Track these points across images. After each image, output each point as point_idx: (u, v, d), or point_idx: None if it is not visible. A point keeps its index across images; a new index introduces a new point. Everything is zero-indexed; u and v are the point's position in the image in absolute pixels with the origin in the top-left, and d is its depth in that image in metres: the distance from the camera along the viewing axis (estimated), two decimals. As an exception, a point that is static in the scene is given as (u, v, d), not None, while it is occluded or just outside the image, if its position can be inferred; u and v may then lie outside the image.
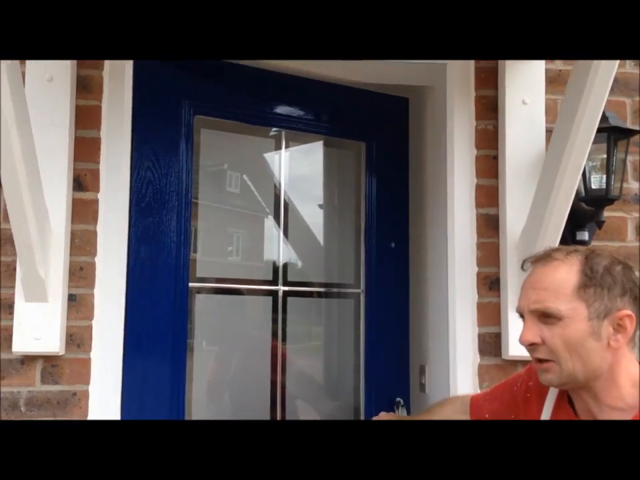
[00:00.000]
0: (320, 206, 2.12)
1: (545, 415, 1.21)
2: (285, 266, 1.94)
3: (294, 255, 2.00)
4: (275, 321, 1.90)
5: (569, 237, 1.79)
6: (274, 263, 1.93)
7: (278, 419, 1.88)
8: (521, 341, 1.14)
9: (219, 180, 1.98)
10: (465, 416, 1.55)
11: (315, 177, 2.11)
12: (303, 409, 2.00)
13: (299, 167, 2.05)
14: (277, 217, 1.96)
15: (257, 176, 2.04)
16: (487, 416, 1.48)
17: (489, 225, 1.82)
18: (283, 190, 1.97)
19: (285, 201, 1.97)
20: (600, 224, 1.77)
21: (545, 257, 1.14)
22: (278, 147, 1.98)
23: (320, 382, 2.10)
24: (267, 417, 1.88)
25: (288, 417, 1.91)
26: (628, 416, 1.06)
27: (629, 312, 1.05)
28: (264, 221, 2.00)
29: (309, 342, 2.08)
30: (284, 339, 1.91)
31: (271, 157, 2.00)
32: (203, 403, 1.86)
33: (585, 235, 1.78)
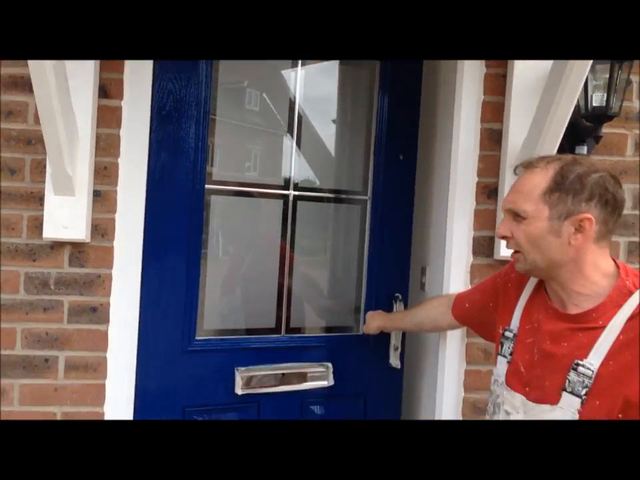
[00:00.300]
0: (333, 120, 2.20)
1: (522, 300, 1.40)
2: (297, 174, 2.05)
3: (306, 165, 2.10)
4: (284, 224, 2.04)
5: (568, 151, 1.84)
6: (286, 171, 2.05)
7: (283, 317, 2.06)
8: (497, 234, 1.36)
9: (237, 97, 2.07)
10: (448, 309, 1.74)
11: (329, 93, 2.17)
12: (306, 308, 2.16)
13: (314, 84, 2.10)
14: (290, 129, 2.06)
15: (274, 93, 2.12)
16: (466, 305, 1.69)
17: (492, 139, 1.90)
18: (298, 104, 2.05)
19: (299, 114, 2.05)
20: (597, 139, 1.81)
21: (530, 164, 1.29)
22: (295, 65, 2.05)
23: (325, 283, 2.26)
24: (273, 315, 2.06)
25: (292, 315, 2.09)
26: (595, 302, 1.22)
27: (588, 215, 1.19)
28: (282, 139, 2.08)
29: (317, 245, 2.22)
30: (292, 242, 2.06)
31: (288, 74, 2.07)
32: (216, 296, 2.05)
33: (583, 150, 1.83)
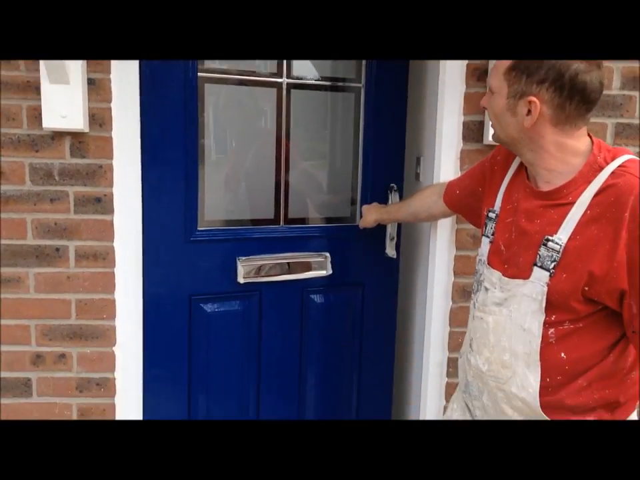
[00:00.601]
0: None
1: (505, 181, 1.43)
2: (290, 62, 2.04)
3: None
4: (279, 114, 2.04)
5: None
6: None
7: (281, 208, 2.11)
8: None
9: None
10: (440, 197, 1.78)
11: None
12: (304, 199, 2.21)
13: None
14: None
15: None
16: (457, 192, 1.71)
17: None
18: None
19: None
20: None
21: None
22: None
23: (321, 174, 2.29)
24: (272, 207, 2.11)
25: (291, 207, 2.14)
26: (566, 178, 1.24)
27: (533, 99, 1.20)
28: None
29: (312, 136, 2.23)
30: (288, 133, 2.07)
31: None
32: (216, 187, 2.08)
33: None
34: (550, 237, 1.23)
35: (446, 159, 1.98)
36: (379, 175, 2.18)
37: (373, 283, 2.28)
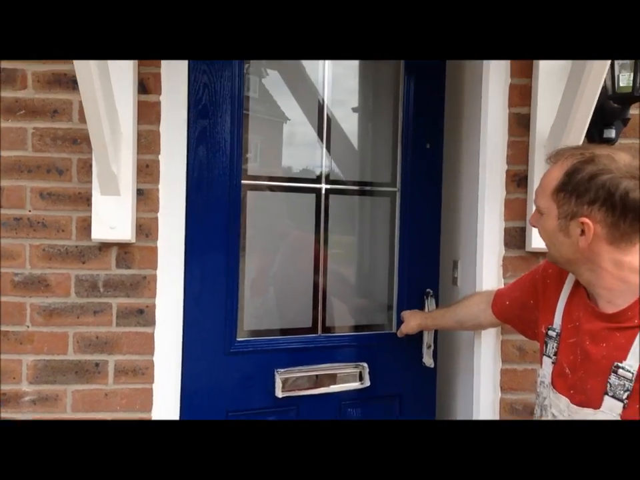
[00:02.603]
0: (354, 109, 2.23)
1: (563, 297, 1.39)
2: (328, 169, 2.07)
3: (335, 158, 2.12)
4: (317, 218, 2.04)
5: (596, 135, 1.89)
6: (319, 165, 2.07)
7: (319, 316, 2.05)
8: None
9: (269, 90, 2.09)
10: (488, 306, 1.73)
11: (354, 84, 2.21)
12: (340, 306, 2.16)
13: (340, 77, 2.12)
14: (320, 126, 2.07)
15: (301, 88, 2.14)
16: (507, 303, 1.67)
17: (521, 124, 1.92)
18: (326, 98, 2.07)
19: (326, 108, 2.07)
20: (625, 121, 1.87)
21: (553, 156, 1.31)
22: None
23: (356, 279, 2.27)
24: (310, 315, 2.05)
25: (327, 314, 2.08)
26: (629, 299, 1.20)
27: (586, 220, 1.20)
28: (313, 132, 2.09)
29: (348, 240, 2.23)
30: (326, 237, 2.06)
31: (315, 70, 2.09)
32: (254, 295, 2.04)
33: (611, 133, 1.88)
34: (620, 364, 1.17)
35: (488, 265, 1.95)
36: (415, 279, 2.15)
37: (410, 394, 2.18)
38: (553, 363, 1.36)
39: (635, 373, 1.15)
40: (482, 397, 1.98)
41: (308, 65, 2.08)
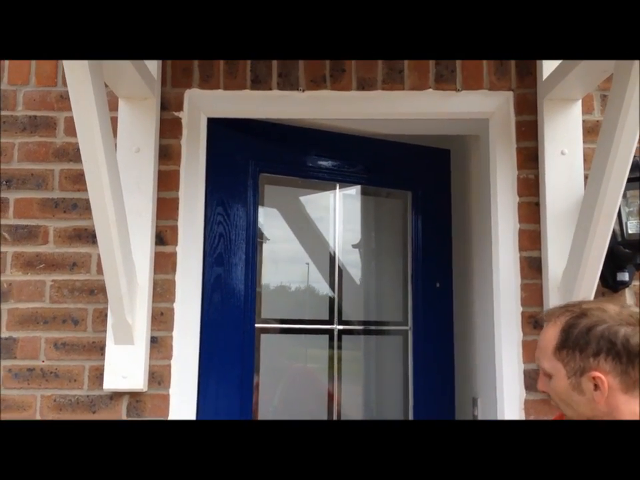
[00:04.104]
0: (367, 252, 2.28)
1: None
2: (340, 308, 2.10)
3: (345, 299, 2.15)
4: (330, 358, 2.04)
5: (609, 278, 1.89)
6: (329, 306, 2.09)
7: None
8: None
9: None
10: None
11: (367, 226, 2.27)
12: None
13: (349, 218, 2.21)
14: (332, 268, 2.13)
15: (307, 228, 2.22)
16: None
17: (532, 267, 1.93)
18: (337, 239, 2.14)
19: (336, 251, 2.14)
20: (638, 266, 1.87)
21: (546, 316, 1.31)
22: (332, 199, 2.17)
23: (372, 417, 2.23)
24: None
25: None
26: None
27: (597, 373, 1.17)
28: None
29: (362, 379, 2.22)
30: (339, 376, 2.05)
31: (325, 209, 2.17)
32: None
33: (625, 276, 1.88)
34: None
35: (509, 407, 1.89)
36: (431, 416, 2.11)
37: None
38: None
39: None
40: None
41: (316, 211, 2.16)
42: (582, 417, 1.24)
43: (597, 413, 1.21)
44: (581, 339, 1.19)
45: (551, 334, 1.25)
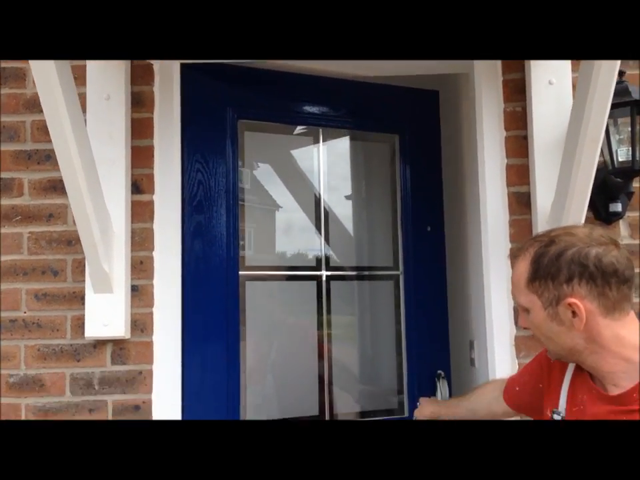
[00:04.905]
0: (354, 196, 2.24)
1: (567, 378, 1.30)
2: (327, 254, 2.07)
3: (335, 244, 2.11)
4: (319, 305, 2.02)
5: (602, 210, 1.83)
6: (317, 252, 2.06)
7: (326, 404, 2.00)
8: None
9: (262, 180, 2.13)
10: (500, 394, 1.63)
11: (353, 170, 2.23)
12: (347, 393, 2.10)
13: (335, 162, 2.16)
14: (317, 213, 2.09)
15: (296, 179, 2.17)
16: (517, 389, 1.56)
17: (521, 202, 1.88)
18: (322, 184, 2.09)
19: (322, 196, 2.10)
20: (629, 195, 1.79)
21: (516, 251, 1.25)
22: (316, 142, 2.11)
23: (364, 365, 2.21)
24: (316, 403, 2.00)
25: (335, 402, 2.03)
26: (634, 379, 1.11)
27: (572, 299, 1.12)
28: (311, 219, 2.10)
29: (353, 325, 2.19)
30: (328, 323, 2.03)
31: (309, 151, 2.12)
32: (256, 386, 2.00)
33: (618, 207, 1.81)
34: None
35: (499, 345, 1.86)
36: (425, 361, 2.09)
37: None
38: None
39: None
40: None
41: (300, 154, 2.11)
42: (564, 349, 1.20)
43: (579, 342, 1.16)
44: (551, 267, 1.14)
45: (522, 267, 1.20)
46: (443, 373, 2.05)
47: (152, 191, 1.77)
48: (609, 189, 1.79)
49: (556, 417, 1.28)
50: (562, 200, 1.71)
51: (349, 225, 2.20)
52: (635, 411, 1.09)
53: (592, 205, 1.80)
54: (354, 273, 2.13)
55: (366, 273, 2.15)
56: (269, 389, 2.05)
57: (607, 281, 1.11)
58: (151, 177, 1.77)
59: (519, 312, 1.26)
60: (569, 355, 1.21)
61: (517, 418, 1.66)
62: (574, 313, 1.13)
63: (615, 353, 1.13)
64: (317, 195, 2.09)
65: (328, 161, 2.12)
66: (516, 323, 1.26)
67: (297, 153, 2.16)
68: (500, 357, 1.86)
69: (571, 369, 1.30)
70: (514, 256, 1.25)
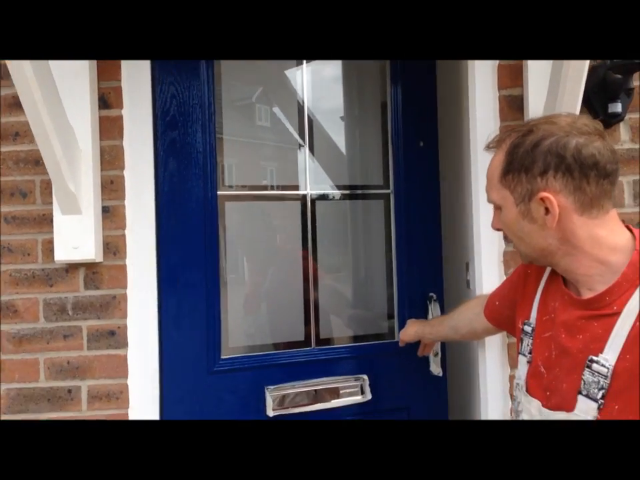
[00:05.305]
0: (341, 117, 2.11)
1: (541, 287, 1.22)
2: (314, 176, 1.97)
3: (322, 164, 2.01)
4: (304, 228, 1.93)
5: (601, 111, 1.71)
6: (302, 171, 1.96)
7: (312, 329, 1.94)
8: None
9: (247, 114, 2.02)
10: (482, 309, 1.56)
11: (337, 89, 2.10)
12: (336, 317, 2.04)
13: (321, 83, 2.03)
14: (301, 129, 1.97)
15: (281, 98, 2.05)
16: (496, 303, 1.49)
17: (512, 107, 1.76)
18: (306, 102, 1.97)
19: (309, 114, 1.97)
20: (629, 92, 1.66)
21: (494, 143, 1.14)
22: (299, 64, 1.98)
23: (352, 288, 2.13)
24: (302, 328, 1.95)
25: (322, 327, 1.96)
26: (608, 282, 1.03)
27: (545, 194, 1.02)
28: (296, 152, 1.99)
29: (340, 248, 2.10)
30: (314, 248, 1.94)
31: (293, 75, 2.00)
32: (240, 311, 1.94)
33: (617, 107, 1.69)
34: (594, 358, 1.00)
35: (488, 259, 1.80)
36: (416, 284, 2.00)
37: (420, 405, 2.00)
38: (528, 362, 1.18)
39: (612, 367, 0.97)
40: (490, 406, 1.82)
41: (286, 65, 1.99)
42: (535, 250, 1.11)
43: (552, 242, 1.06)
44: (526, 158, 1.04)
45: (497, 160, 1.10)
46: (435, 296, 1.97)
47: (120, 105, 1.67)
48: (608, 87, 1.66)
49: (527, 329, 1.21)
50: (554, 100, 1.57)
51: (336, 139, 2.08)
52: (606, 316, 1.01)
53: (590, 107, 1.69)
54: (339, 192, 2.02)
55: (353, 192, 2.04)
56: (252, 313, 1.99)
57: (585, 174, 1.01)
58: (119, 90, 1.67)
59: (494, 211, 1.16)
60: (541, 257, 1.12)
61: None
62: (547, 210, 1.03)
63: (590, 254, 1.04)
64: (300, 100, 1.97)
65: (316, 78, 1.99)
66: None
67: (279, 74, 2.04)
68: (488, 275, 1.80)
69: (545, 275, 1.21)
70: (489, 148, 1.15)
